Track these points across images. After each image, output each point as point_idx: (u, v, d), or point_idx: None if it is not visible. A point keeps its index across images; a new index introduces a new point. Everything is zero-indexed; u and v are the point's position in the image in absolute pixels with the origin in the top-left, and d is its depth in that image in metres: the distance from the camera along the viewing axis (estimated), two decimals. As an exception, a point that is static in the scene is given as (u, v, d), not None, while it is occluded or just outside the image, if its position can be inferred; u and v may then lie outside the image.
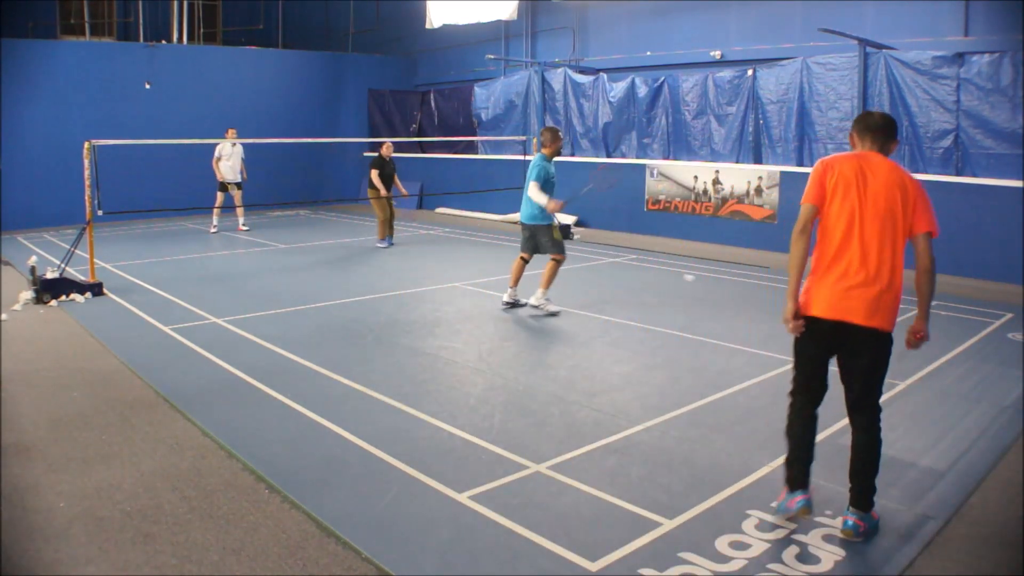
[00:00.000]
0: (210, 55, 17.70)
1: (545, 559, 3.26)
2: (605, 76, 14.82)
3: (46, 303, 8.10)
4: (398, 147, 18.50)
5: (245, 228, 14.28)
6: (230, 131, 13.55)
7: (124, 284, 9.18)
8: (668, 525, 3.53)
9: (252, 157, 14.38)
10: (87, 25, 19.25)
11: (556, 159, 7.72)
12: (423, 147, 18.71)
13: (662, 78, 13.73)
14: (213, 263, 10.85)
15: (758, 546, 3.36)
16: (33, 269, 8.40)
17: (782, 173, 12.00)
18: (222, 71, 17.37)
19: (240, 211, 14.23)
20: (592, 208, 14.67)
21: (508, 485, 3.93)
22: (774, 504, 3.69)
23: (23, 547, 3.35)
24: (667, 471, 4.12)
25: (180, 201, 14.62)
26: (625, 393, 5.37)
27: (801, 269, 3.48)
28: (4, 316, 7.53)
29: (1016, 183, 9.57)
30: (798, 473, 3.58)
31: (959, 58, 10.16)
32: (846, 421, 3.77)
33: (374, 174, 12.12)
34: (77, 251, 9.16)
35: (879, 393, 3.55)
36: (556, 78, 15.58)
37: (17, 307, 7.96)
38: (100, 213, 8.91)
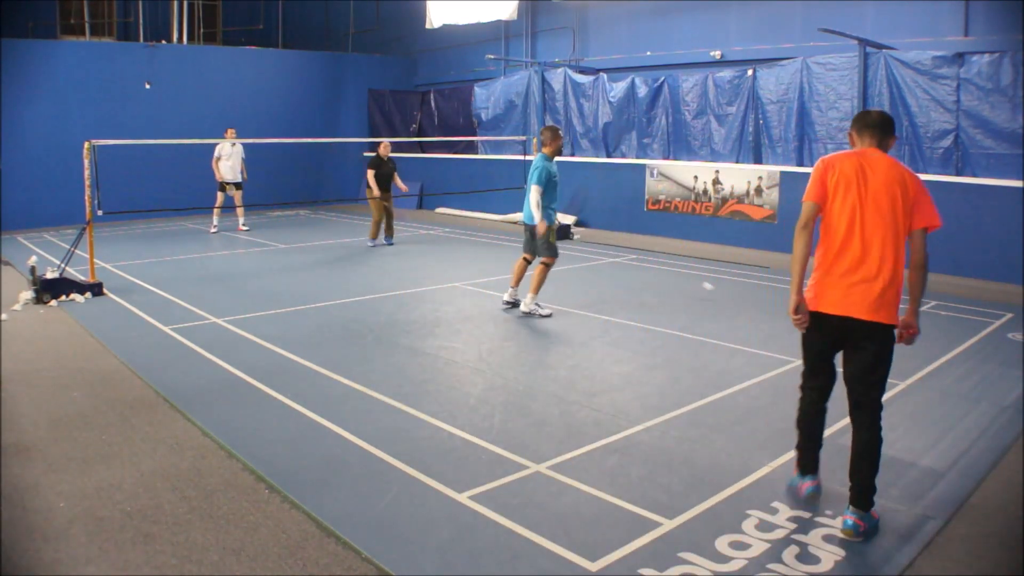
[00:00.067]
0: (210, 55, 17.70)
1: (545, 559, 3.26)
2: (605, 76, 14.82)
3: (46, 303, 8.11)
4: (398, 147, 18.52)
5: (245, 228, 14.28)
6: (229, 131, 13.54)
7: (124, 284, 9.19)
8: (668, 525, 3.53)
9: (252, 157, 14.38)
10: (87, 25, 19.26)
11: (557, 159, 7.69)
12: (423, 147, 18.71)
13: (662, 78, 13.73)
14: (213, 263, 10.85)
15: (758, 546, 3.36)
16: (33, 269, 8.40)
17: (782, 173, 12.00)
18: (222, 71, 17.37)
19: (240, 211, 14.23)
20: (592, 208, 14.68)
21: (508, 485, 3.93)
22: (788, 481, 3.97)
23: (23, 547, 3.35)
24: (667, 471, 4.12)
25: (180, 201, 14.63)
26: (625, 393, 5.37)
27: (804, 264, 3.57)
28: (4, 316, 7.53)
29: (1016, 183, 9.57)
30: (808, 459, 3.84)
31: (959, 58, 10.16)
32: (846, 421, 3.79)
33: (370, 174, 12.13)
34: (77, 251, 9.16)
35: (882, 390, 3.59)
36: (556, 78, 15.58)
37: (17, 307, 7.96)
38: (100, 213, 8.92)
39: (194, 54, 17.41)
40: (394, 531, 3.48)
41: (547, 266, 7.59)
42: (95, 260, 9.06)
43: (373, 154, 12.48)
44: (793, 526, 3.54)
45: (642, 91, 13.98)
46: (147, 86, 16.14)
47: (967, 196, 10.03)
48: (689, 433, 4.65)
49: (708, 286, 8.33)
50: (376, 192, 12.13)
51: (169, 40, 17.90)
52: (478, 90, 17.20)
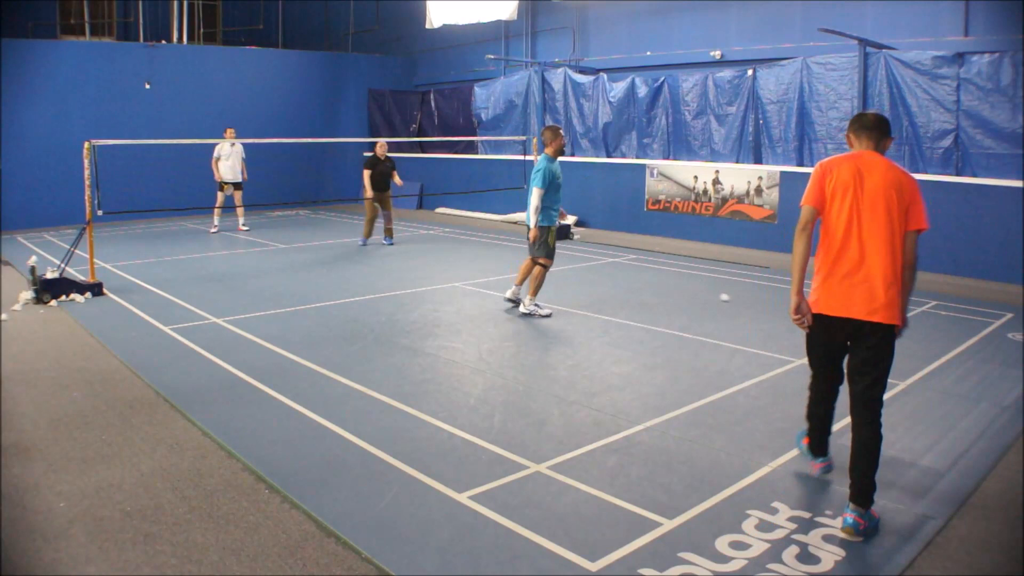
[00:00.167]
0: (210, 55, 17.71)
1: (545, 559, 3.26)
2: (605, 76, 14.82)
3: (46, 303, 8.11)
4: (398, 147, 18.55)
5: (245, 228, 14.28)
6: (228, 131, 13.52)
7: (124, 284, 9.19)
8: (668, 525, 3.53)
9: (252, 157, 14.38)
10: (87, 25, 19.27)
11: (560, 159, 7.65)
12: (423, 147, 18.72)
13: (662, 78, 13.74)
14: (213, 263, 10.85)
15: (758, 546, 3.36)
16: (33, 269, 8.40)
17: (782, 173, 12.01)
18: (222, 71, 17.37)
19: (240, 211, 14.23)
20: (592, 208, 14.68)
21: (508, 485, 3.93)
22: (797, 440, 4.25)
23: (23, 547, 3.35)
24: (667, 471, 4.12)
25: (180, 201, 14.64)
26: (625, 393, 5.37)
27: (803, 266, 3.68)
28: (4, 316, 7.53)
29: (1016, 183, 9.58)
30: (819, 443, 4.07)
31: (959, 58, 10.16)
32: (846, 421, 3.79)
33: (366, 174, 12.17)
34: (77, 251, 9.16)
35: (882, 388, 3.64)
36: (556, 78, 15.58)
37: (17, 307, 7.97)
38: (100, 213, 8.92)
39: (194, 54, 17.42)
40: (394, 531, 3.48)
41: (544, 267, 7.58)
42: (95, 260, 9.06)
43: (371, 154, 12.48)
44: (793, 526, 3.54)
45: (642, 91, 13.98)
46: (147, 86, 16.14)
47: (967, 196, 10.03)
48: (689, 433, 4.65)
49: (724, 297, 8.29)
50: (369, 192, 12.17)
51: (169, 40, 17.91)
52: (478, 90, 17.20)
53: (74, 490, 3.89)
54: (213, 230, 14.00)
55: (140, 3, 18.40)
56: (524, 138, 15.32)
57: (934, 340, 6.80)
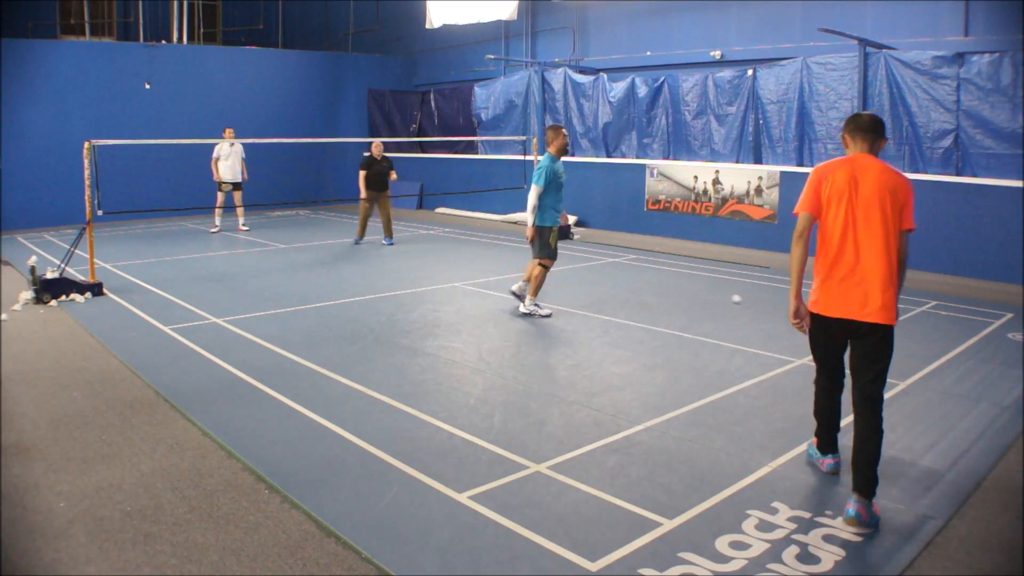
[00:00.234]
0: (210, 55, 17.71)
1: (545, 559, 3.26)
2: (605, 76, 14.82)
3: (46, 303, 8.11)
4: (398, 147, 18.56)
5: (245, 228, 14.28)
6: (227, 131, 13.52)
7: (124, 284, 9.19)
8: (668, 525, 3.53)
9: (252, 157, 14.38)
10: (87, 25, 19.27)
11: (561, 159, 7.62)
12: (423, 147, 18.72)
13: (662, 78, 13.74)
14: (213, 263, 10.85)
15: (758, 546, 3.36)
16: (33, 269, 8.40)
17: (782, 173, 12.01)
18: (222, 71, 17.38)
19: (240, 211, 14.23)
20: (592, 208, 14.68)
21: (508, 485, 3.93)
22: (807, 448, 4.27)
23: (23, 547, 3.35)
24: (667, 471, 4.12)
25: (180, 201, 14.64)
26: (625, 393, 5.37)
27: (801, 270, 3.81)
28: (4, 316, 7.53)
29: (1016, 183, 9.58)
30: (827, 440, 4.10)
31: (959, 58, 10.16)
32: (849, 419, 3.80)
33: (361, 175, 12.22)
34: (77, 251, 9.16)
35: (883, 383, 3.72)
36: (556, 78, 15.58)
37: (17, 307, 7.97)
38: (100, 213, 8.92)
39: (194, 54, 17.42)
40: (394, 531, 3.48)
41: (544, 268, 7.56)
42: (95, 260, 9.06)
43: (368, 154, 12.50)
44: (793, 526, 3.54)
45: (642, 91, 13.98)
46: (147, 86, 16.15)
47: (967, 196, 10.03)
48: (689, 433, 4.65)
49: (736, 299, 8.26)
50: (363, 193, 12.24)
51: (169, 40, 17.91)
52: (478, 90, 17.21)
53: (74, 490, 3.89)
54: (214, 230, 14.00)
55: (140, 3, 18.40)
56: (524, 138, 15.32)
57: (934, 340, 6.80)
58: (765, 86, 12.29)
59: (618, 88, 14.39)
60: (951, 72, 10.22)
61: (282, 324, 7.30)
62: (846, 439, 4.24)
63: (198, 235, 13.79)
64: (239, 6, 21.77)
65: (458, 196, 16.56)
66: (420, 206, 18.34)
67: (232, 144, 13.51)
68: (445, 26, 17.38)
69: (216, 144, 13.58)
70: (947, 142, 10.42)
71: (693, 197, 13.18)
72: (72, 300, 8.22)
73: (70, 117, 15.16)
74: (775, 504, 3.73)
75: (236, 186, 13.74)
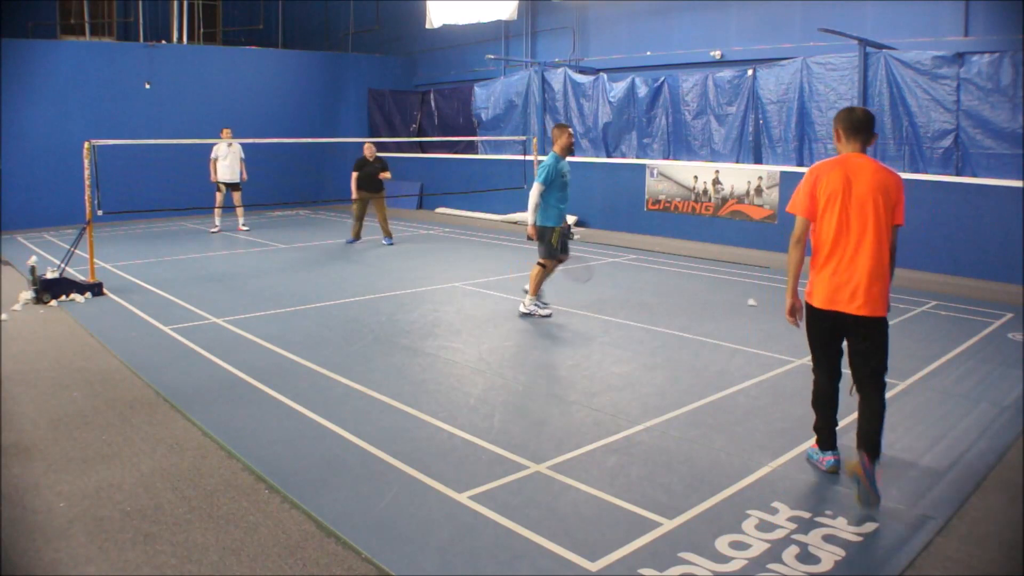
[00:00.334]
0: (210, 55, 17.71)
1: (545, 559, 3.26)
2: (605, 76, 14.82)
3: (46, 303, 8.11)
4: (398, 147, 18.55)
5: (245, 228, 14.27)
6: (225, 131, 13.50)
7: (124, 284, 9.19)
8: (668, 525, 3.53)
9: (252, 157, 14.38)
10: (87, 25, 19.27)
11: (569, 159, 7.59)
12: (423, 147, 18.72)
13: (662, 78, 13.74)
14: (213, 263, 10.85)
15: (758, 546, 3.36)
16: (33, 269, 8.40)
17: (782, 173, 12.00)
18: (222, 71, 17.38)
19: (240, 211, 14.23)
20: (592, 208, 14.68)
21: (508, 485, 3.93)
22: (807, 451, 4.25)
23: (23, 547, 3.35)
24: (667, 471, 4.12)
25: (180, 201, 14.63)
26: (625, 393, 5.37)
27: (798, 271, 4.00)
28: (4, 316, 7.53)
29: (1016, 183, 9.57)
30: (826, 436, 4.12)
31: (959, 58, 10.16)
32: (850, 419, 3.81)
33: (352, 176, 12.27)
34: (77, 251, 9.16)
35: (882, 369, 3.86)
36: (556, 78, 15.58)
37: (17, 307, 7.96)
38: (100, 213, 8.92)
39: (194, 54, 17.42)
40: (394, 531, 3.48)
41: (543, 267, 7.55)
42: (95, 260, 9.07)
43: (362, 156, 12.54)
44: (793, 526, 3.53)
45: (642, 91, 13.98)
46: (147, 86, 16.15)
47: (967, 196, 10.03)
48: (689, 433, 4.65)
49: (752, 302, 8.23)
50: (354, 194, 12.31)
51: (169, 40, 17.91)
52: (478, 90, 17.21)
53: (74, 490, 3.89)
54: (214, 230, 13.99)
55: (140, 3, 18.40)
56: (524, 138, 15.32)
57: (934, 340, 6.80)
58: (765, 86, 12.29)
59: (618, 88, 14.39)
60: (951, 72, 10.22)
61: (282, 324, 7.30)
62: (845, 439, 4.25)
63: (198, 235, 13.79)
64: (239, 6, 21.76)
65: (458, 196, 16.56)
66: (420, 206, 18.34)
67: (230, 144, 13.49)
68: (445, 26, 17.38)
69: (214, 145, 13.58)
70: (947, 142, 10.42)
71: (693, 197, 13.18)
72: (72, 300, 8.22)
73: (70, 117, 15.16)
74: (775, 504, 3.73)
75: (235, 186, 13.73)
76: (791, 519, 3.60)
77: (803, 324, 4.07)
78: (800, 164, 11.95)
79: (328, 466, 4.18)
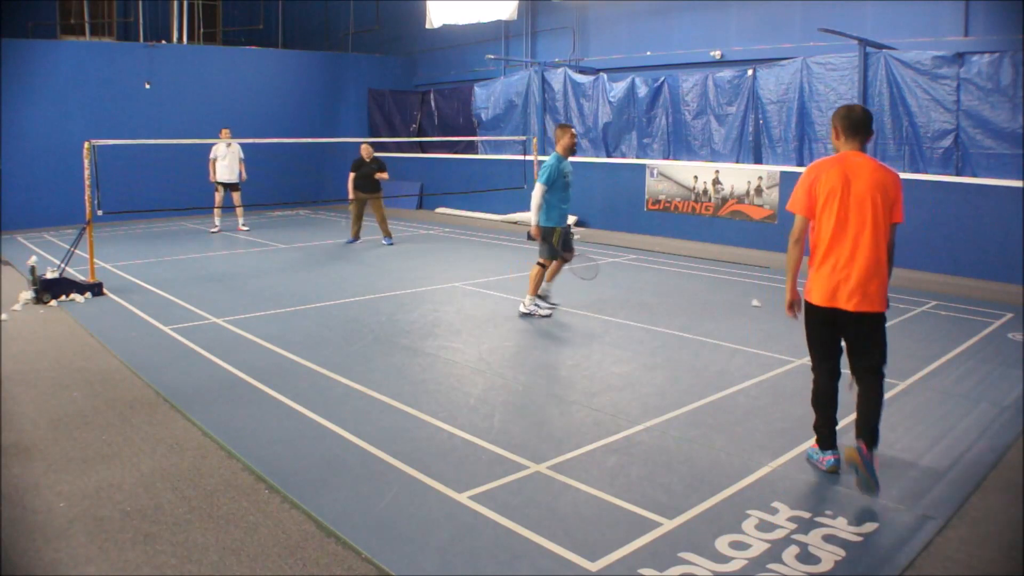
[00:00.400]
0: (210, 55, 17.71)
1: (545, 559, 3.25)
2: (605, 76, 14.82)
3: (46, 303, 8.11)
4: (398, 147, 18.54)
5: (245, 228, 14.27)
6: (224, 131, 13.50)
7: (124, 284, 9.19)
8: (668, 525, 3.52)
9: (252, 157, 14.38)
10: (87, 25, 19.27)
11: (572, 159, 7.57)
12: (423, 147, 18.72)
13: (662, 78, 13.74)
14: (213, 263, 10.85)
15: (758, 546, 3.36)
16: (33, 269, 8.40)
17: (782, 173, 12.00)
18: (222, 71, 17.38)
19: (240, 211, 14.22)
20: (592, 208, 14.68)
21: (508, 485, 3.93)
22: (807, 451, 4.25)
23: (23, 547, 3.35)
24: (667, 471, 4.12)
25: (180, 201, 14.64)
26: (625, 393, 5.37)
27: (796, 269, 4.07)
28: (4, 316, 7.53)
29: (1016, 183, 9.57)
30: (826, 435, 4.12)
31: (959, 58, 10.16)
32: (844, 423, 3.81)
33: (349, 176, 12.32)
34: (77, 251, 9.16)
35: (880, 362, 3.90)
36: (556, 78, 15.58)
37: (17, 307, 7.96)
38: (100, 213, 8.92)
39: (194, 54, 17.42)
40: (394, 531, 3.48)
41: (543, 267, 7.55)
42: (95, 260, 9.07)
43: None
44: (793, 526, 3.53)
45: (642, 91, 13.98)
46: (147, 86, 16.15)
47: (967, 196, 10.03)
48: (689, 433, 4.65)
49: (756, 303, 8.23)
50: (351, 195, 12.36)
51: (169, 40, 17.91)
52: (478, 90, 17.21)
53: (74, 490, 3.89)
54: (214, 230, 13.99)
55: (140, 3, 18.40)
56: (524, 138, 15.32)
57: (934, 340, 6.80)
58: (765, 86, 12.29)
59: (618, 88, 14.39)
60: (951, 72, 10.22)
61: (282, 324, 7.30)
62: (845, 439, 4.25)
63: (198, 235, 13.79)
64: (239, 6, 21.76)
65: (458, 196, 16.56)
66: (420, 206, 18.34)
67: (229, 144, 13.49)
68: (445, 26, 17.38)
69: (213, 145, 13.57)
70: (947, 142, 10.42)
71: (693, 197, 13.18)
72: (72, 300, 8.22)
73: (70, 117, 15.16)
74: (775, 504, 3.73)
75: (234, 187, 13.72)
76: (791, 519, 3.60)
77: (802, 320, 4.10)
78: (800, 164, 11.95)
79: (328, 466, 4.18)
